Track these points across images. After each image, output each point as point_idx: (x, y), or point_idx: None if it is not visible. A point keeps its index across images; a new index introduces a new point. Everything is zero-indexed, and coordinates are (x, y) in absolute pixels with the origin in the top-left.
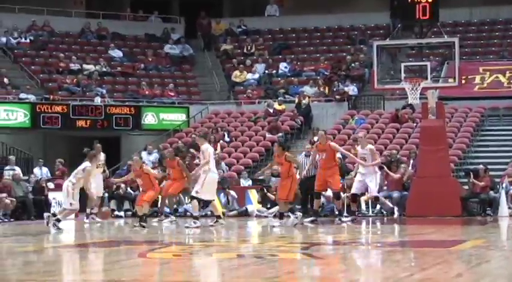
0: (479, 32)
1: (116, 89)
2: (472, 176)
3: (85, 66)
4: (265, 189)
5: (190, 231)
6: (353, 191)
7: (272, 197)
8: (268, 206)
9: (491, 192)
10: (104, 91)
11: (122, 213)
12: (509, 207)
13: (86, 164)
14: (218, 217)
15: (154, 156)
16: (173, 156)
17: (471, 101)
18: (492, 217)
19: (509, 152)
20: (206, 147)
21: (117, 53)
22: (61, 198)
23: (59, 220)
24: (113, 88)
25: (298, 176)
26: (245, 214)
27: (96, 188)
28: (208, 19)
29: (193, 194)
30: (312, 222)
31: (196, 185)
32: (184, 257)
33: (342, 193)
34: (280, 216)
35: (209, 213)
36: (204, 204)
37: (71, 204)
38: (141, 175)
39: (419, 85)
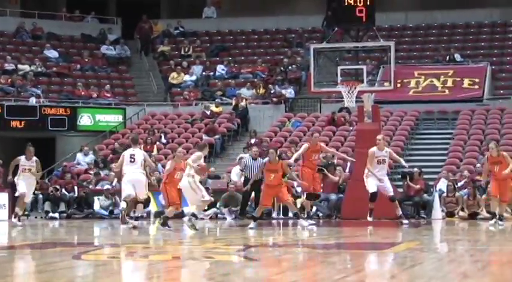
0: (414, 36)
1: (52, 89)
2: (407, 178)
3: (20, 66)
4: None
5: (126, 233)
6: (373, 190)
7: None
8: (205, 208)
9: (425, 195)
10: (39, 92)
11: (56, 215)
12: (442, 210)
13: None
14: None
15: (90, 157)
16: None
17: (406, 104)
18: (426, 220)
19: (443, 156)
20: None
21: (52, 54)
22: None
23: (196, 217)
24: (48, 89)
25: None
26: (181, 216)
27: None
28: (150, 23)
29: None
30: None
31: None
32: (119, 258)
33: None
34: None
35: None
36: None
37: (203, 196)
38: (182, 169)
39: (355, 88)
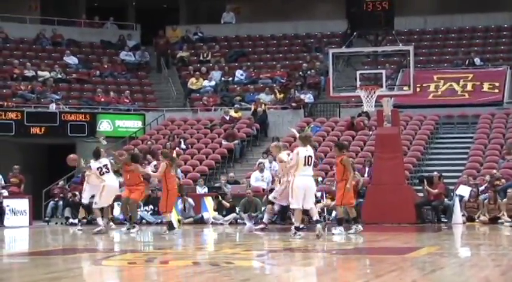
0: (433, 41)
1: (71, 95)
2: (426, 183)
3: (40, 72)
4: (220, 197)
5: (145, 238)
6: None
7: (227, 204)
8: (224, 213)
9: (446, 200)
10: (59, 98)
11: (76, 221)
12: (463, 215)
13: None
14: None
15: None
16: (130, 160)
17: (426, 108)
18: (446, 224)
19: (463, 160)
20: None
21: (72, 60)
22: (15, 205)
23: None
24: (68, 95)
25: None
26: (201, 221)
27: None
28: (166, 38)
29: None
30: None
31: None
32: (139, 264)
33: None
34: (339, 222)
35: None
36: None
37: None
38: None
39: (374, 93)
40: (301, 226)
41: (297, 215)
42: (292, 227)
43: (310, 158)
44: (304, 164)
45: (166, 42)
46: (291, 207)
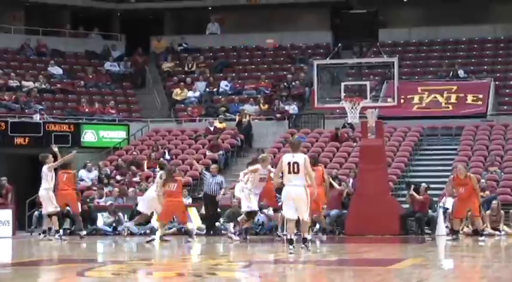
0: (418, 52)
1: (56, 106)
2: (412, 188)
3: (24, 83)
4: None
5: (129, 249)
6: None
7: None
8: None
9: (430, 211)
10: (43, 108)
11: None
12: (446, 226)
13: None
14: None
15: (94, 174)
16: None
17: (410, 120)
18: (430, 236)
19: (447, 172)
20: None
21: (56, 70)
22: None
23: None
24: (52, 105)
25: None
26: (185, 232)
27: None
28: (145, 57)
29: None
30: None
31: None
32: (123, 275)
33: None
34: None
35: (148, 231)
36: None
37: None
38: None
39: (358, 104)
40: (294, 238)
41: (289, 227)
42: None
43: (295, 165)
44: (289, 172)
45: (144, 61)
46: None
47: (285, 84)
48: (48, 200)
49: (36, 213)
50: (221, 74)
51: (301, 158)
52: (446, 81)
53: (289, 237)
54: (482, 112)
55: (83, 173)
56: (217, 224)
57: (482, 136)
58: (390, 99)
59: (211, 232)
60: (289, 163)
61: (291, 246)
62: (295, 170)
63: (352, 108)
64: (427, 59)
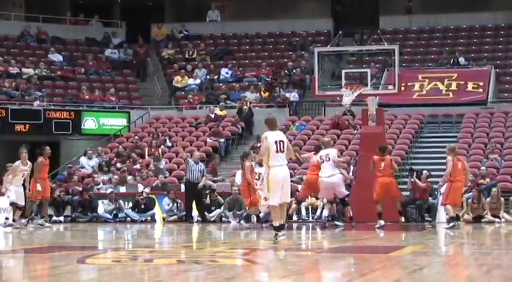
0: (418, 40)
1: (56, 93)
2: (415, 174)
3: (24, 70)
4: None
5: (130, 236)
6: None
7: (221, 200)
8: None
9: (430, 199)
10: (44, 95)
11: (61, 219)
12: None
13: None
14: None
15: (94, 161)
16: None
17: (410, 108)
18: (430, 223)
19: None
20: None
21: (57, 57)
22: (4, 205)
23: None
24: (53, 92)
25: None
26: (185, 219)
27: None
28: (146, 47)
29: None
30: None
31: None
32: (123, 262)
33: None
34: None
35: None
36: None
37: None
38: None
39: (357, 90)
40: (281, 223)
41: (274, 213)
42: (273, 231)
43: (282, 143)
44: (277, 151)
45: (145, 52)
46: (267, 203)
47: (286, 71)
48: (20, 193)
49: None
50: (222, 62)
51: (283, 135)
52: (447, 68)
53: (277, 224)
54: (482, 99)
55: (83, 160)
56: (218, 211)
57: (483, 123)
58: (391, 86)
59: (201, 219)
60: (276, 142)
61: (283, 232)
62: (282, 149)
63: (349, 93)
64: (427, 46)
